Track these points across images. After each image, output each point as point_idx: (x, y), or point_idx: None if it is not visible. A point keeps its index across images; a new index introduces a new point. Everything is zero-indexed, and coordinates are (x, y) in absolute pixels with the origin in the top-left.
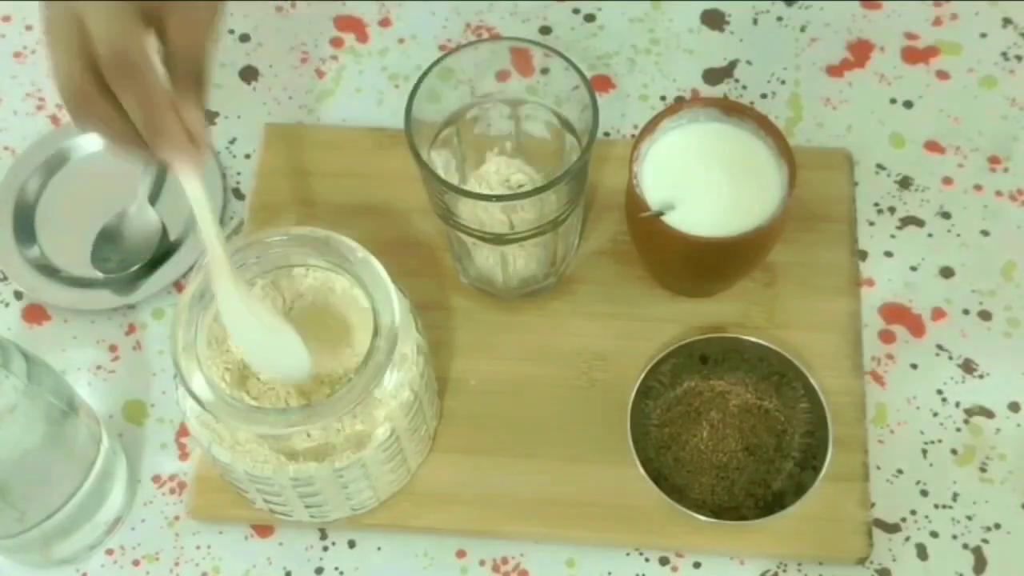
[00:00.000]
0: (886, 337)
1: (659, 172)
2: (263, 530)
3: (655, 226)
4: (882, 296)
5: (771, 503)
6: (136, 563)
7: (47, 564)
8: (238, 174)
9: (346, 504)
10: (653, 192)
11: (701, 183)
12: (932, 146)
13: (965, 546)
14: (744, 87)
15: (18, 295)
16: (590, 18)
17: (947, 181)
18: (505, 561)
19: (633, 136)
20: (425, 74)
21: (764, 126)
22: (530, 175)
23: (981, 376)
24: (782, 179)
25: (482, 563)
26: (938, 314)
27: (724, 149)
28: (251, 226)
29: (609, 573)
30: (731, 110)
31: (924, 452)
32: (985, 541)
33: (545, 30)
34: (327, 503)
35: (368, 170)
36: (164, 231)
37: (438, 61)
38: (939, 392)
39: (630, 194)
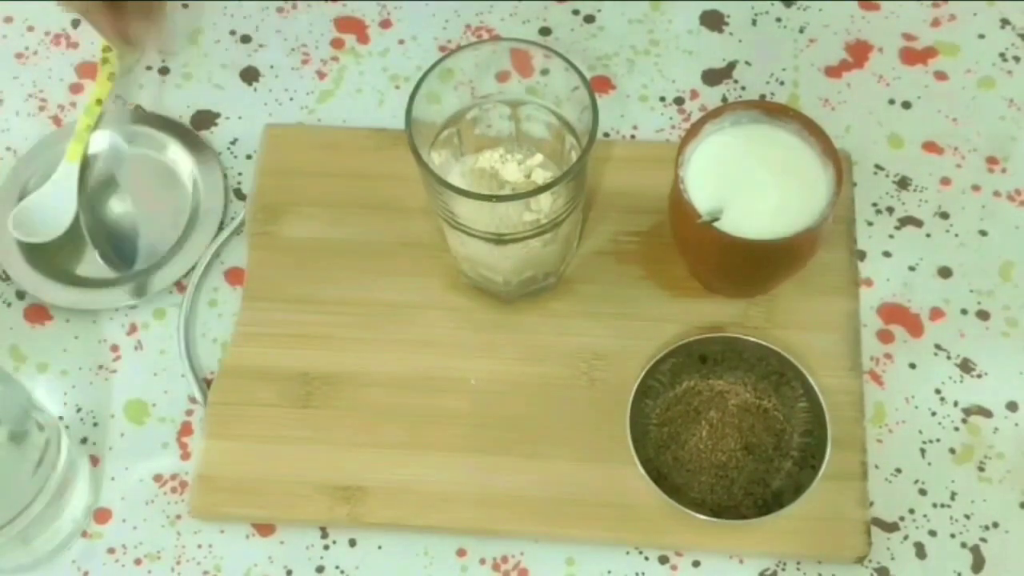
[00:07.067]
0: (884, 337)
1: (704, 176)
2: (264, 529)
3: (706, 230)
4: (880, 296)
5: (770, 502)
6: (138, 562)
7: (37, 559)
8: (239, 174)
9: None
10: (699, 196)
11: (746, 185)
12: (930, 146)
13: (963, 545)
14: (743, 88)
15: (20, 295)
16: (590, 19)
17: (945, 181)
18: (505, 560)
19: (633, 136)
20: (425, 75)
21: (808, 127)
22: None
23: (979, 376)
24: (827, 178)
25: (482, 562)
26: (936, 314)
27: (767, 150)
28: (252, 227)
29: (609, 572)
30: (773, 111)
31: (922, 451)
32: (983, 540)
33: (545, 31)
34: None
35: (368, 170)
36: (164, 231)
37: (438, 62)
38: (937, 391)
39: (676, 199)
